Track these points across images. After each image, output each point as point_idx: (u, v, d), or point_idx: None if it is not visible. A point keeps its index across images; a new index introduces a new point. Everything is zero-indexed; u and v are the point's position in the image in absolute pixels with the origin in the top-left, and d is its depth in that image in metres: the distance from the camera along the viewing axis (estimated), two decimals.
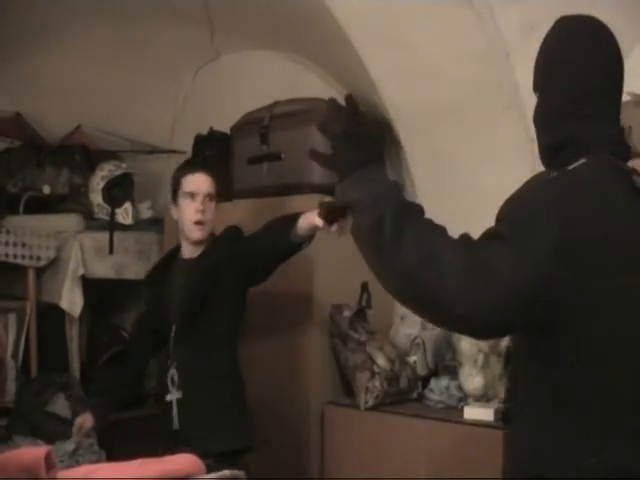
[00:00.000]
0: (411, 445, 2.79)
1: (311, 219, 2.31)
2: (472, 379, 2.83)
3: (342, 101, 1.52)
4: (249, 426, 2.66)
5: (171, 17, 3.58)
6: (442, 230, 1.39)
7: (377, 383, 2.94)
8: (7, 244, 3.18)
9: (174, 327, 2.64)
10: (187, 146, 3.69)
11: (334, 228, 2.21)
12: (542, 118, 1.55)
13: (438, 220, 1.41)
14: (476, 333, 1.49)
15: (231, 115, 3.47)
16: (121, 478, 1.06)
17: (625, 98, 2.50)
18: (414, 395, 3.06)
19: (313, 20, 3.11)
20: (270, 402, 3.09)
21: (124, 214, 3.58)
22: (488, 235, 1.35)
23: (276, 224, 2.57)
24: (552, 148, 1.50)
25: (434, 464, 2.71)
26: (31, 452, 1.10)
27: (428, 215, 1.42)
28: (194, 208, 2.63)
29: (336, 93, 3.52)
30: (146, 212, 3.81)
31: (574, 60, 1.49)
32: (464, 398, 2.88)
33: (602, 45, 1.50)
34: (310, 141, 2.74)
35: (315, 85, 3.58)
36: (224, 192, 3.13)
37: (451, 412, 2.85)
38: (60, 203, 3.60)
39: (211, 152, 3.58)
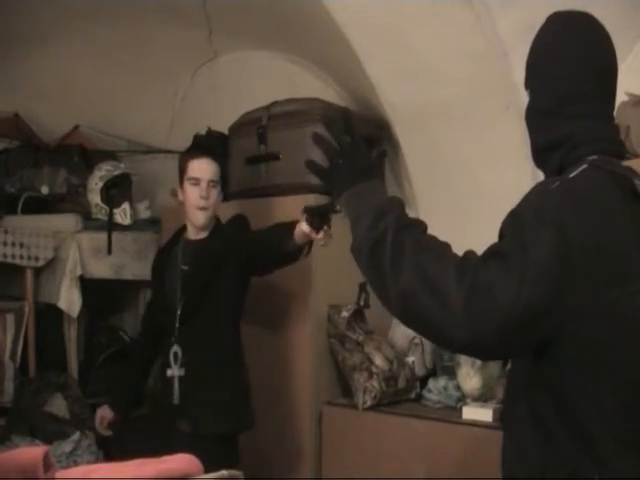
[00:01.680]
0: (409, 445, 2.79)
1: (300, 226, 2.26)
2: (470, 379, 2.83)
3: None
4: (246, 410, 2.73)
5: (169, 17, 3.57)
6: (444, 250, 1.35)
7: (375, 383, 2.94)
8: (5, 244, 3.18)
9: (180, 306, 2.70)
10: (185, 146, 3.68)
11: (320, 235, 2.20)
12: (532, 117, 1.53)
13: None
14: (481, 356, 1.49)
15: (229, 115, 3.46)
16: (120, 478, 1.06)
17: (623, 98, 2.53)
18: (412, 395, 3.06)
19: (311, 20, 3.11)
20: (268, 402, 3.09)
21: (122, 214, 3.57)
22: (490, 254, 1.31)
23: (278, 228, 2.56)
24: (542, 149, 1.49)
25: (432, 464, 2.71)
26: (29, 452, 1.10)
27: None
28: (198, 194, 2.71)
29: (334, 93, 3.53)
30: (144, 212, 3.81)
31: (561, 57, 1.47)
32: (462, 398, 2.88)
33: (592, 41, 1.47)
34: (308, 141, 2.74)
35: (313, 85, 3.58)
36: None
37: (449, 412, 2.85)
38: (58, 203, 3.60)
39: None
